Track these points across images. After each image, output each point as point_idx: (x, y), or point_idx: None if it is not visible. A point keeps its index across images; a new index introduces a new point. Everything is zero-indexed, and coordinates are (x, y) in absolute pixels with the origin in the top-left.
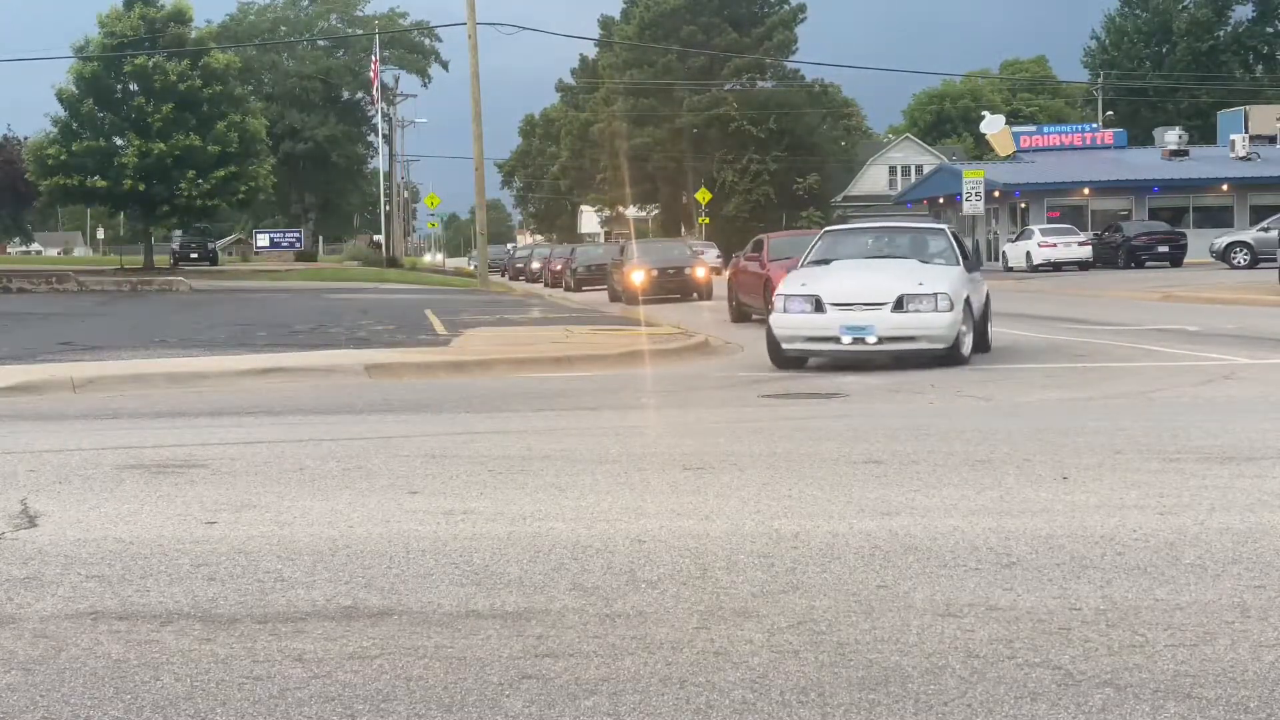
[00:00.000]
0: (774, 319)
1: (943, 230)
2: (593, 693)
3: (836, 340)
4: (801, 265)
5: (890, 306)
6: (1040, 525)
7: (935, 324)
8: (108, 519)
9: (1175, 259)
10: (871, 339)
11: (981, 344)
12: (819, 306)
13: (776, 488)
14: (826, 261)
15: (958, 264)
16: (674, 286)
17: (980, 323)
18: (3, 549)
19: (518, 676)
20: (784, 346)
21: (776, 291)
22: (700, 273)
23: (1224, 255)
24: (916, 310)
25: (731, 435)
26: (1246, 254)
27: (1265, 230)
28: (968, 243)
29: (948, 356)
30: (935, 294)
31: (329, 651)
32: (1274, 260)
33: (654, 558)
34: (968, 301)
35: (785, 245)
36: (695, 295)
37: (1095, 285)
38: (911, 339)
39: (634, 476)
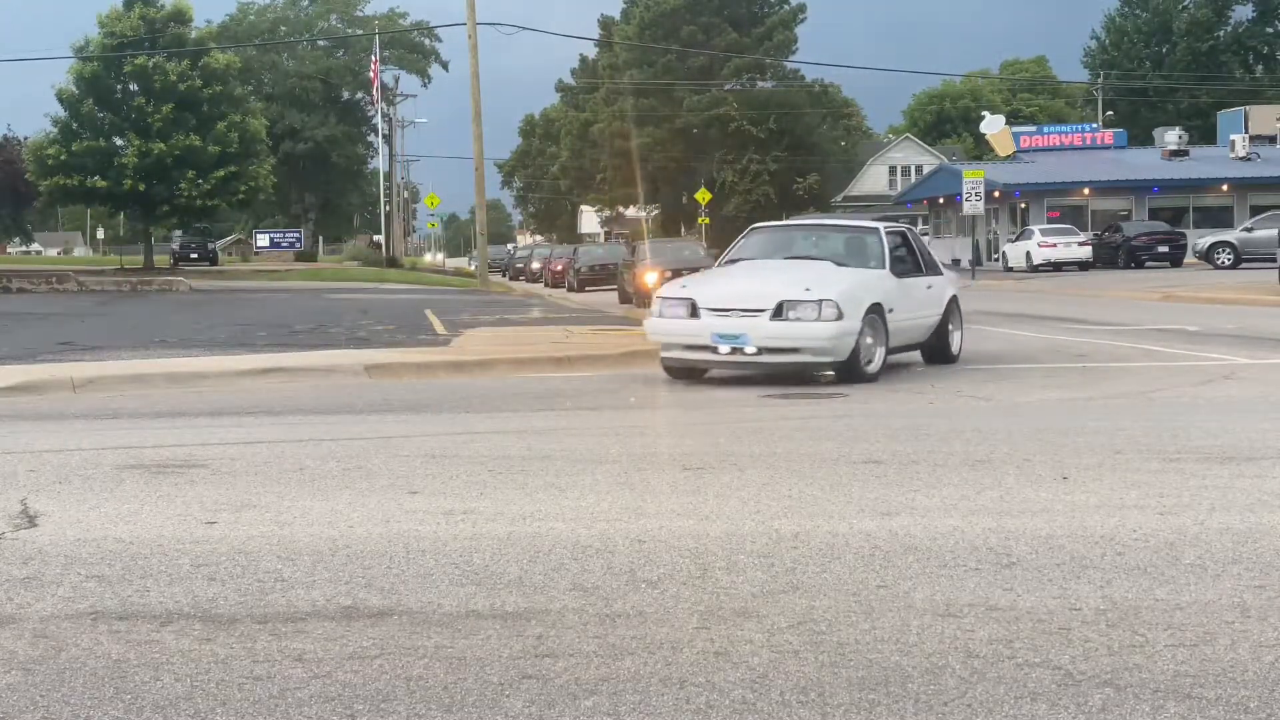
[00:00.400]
0: (647, 324)
1: (875, 230)
2: (593, 693)
3: (713, 349)
4: (718, 264)
5: (769, 313)
6: (1040, 525)
7: (816, 334)
8: (108, 519)
9: (1175, 259)
10: (750, 349)
11: (942, 354)
12: (694, 311)
13: (776, 488)
14: (741, 261)
15: (882, 268)
16: None
17: (938, 332)
18: (3, 549)
19: (518, 676)
20: (662, 355)
21: (655, 294)
22: None
23: (1207, 255)
24: (797, 319)
25: (731, 435)
26: (1230, 254)
27: (1248, 230)
28: (948, 245)
29: (845, 372)
30: (819, 301)
31: (329, 651)
32: (1256, 260)
33: (654, 558)
34: (878, 309)
35: None
36: None
37: (1095, 285)
38: (794, 350)
39: (634, 476)
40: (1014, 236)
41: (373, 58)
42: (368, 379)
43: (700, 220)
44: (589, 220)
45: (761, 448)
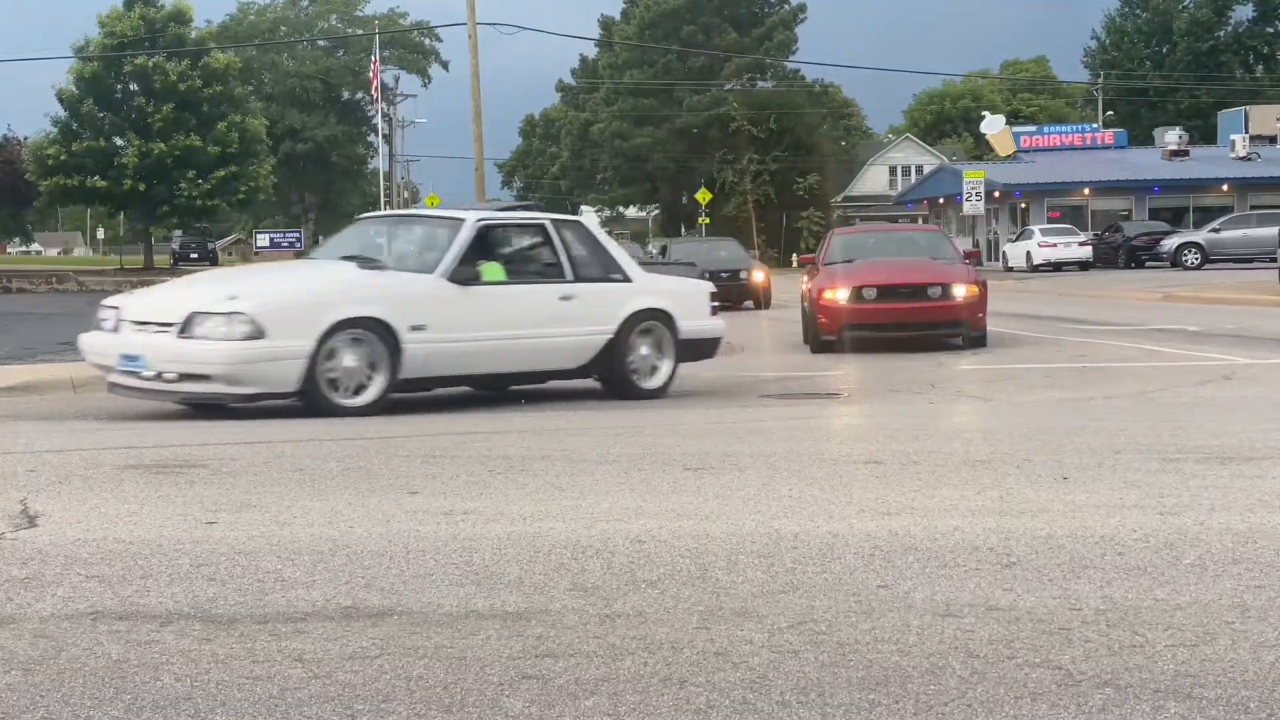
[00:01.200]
0: (80, 339)
1: (457, 222)
2: (593, 693)
3: (136, 374)
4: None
5: (178, 329)
6: (1040, 525)
7: (217, 357)
8: (108, 519)
9: (1175, 259)
10: (170, 375)
11: (620, 385)
12: (118, 324)
13: (776, 488)
14: (300, 260)
15: (430, 272)
16: (727, 294)
17: (607, 357)
18: (3, 549)
19: (518, 676)
20: (108, 380)
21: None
22: (759, 276)
23: (1175, 256)
24: (204, 336)
25: (731, 435)
26: (1197, 255)
27: (1215, 231)
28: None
29: (309, 406)
30: (230, 314)
31: (329, 651)
32: (1224, 261)
33: (654, 558)
34: (377, 326)
35: (852, 244)
36: (751, 304)
37: (1095, 285)
38: (204, 377)
39: (634, 476)
40: (1014, 236)
41: (373, 58)
42: None
43: (700, 220)
44: (589, 220)
45: (761, 448)
